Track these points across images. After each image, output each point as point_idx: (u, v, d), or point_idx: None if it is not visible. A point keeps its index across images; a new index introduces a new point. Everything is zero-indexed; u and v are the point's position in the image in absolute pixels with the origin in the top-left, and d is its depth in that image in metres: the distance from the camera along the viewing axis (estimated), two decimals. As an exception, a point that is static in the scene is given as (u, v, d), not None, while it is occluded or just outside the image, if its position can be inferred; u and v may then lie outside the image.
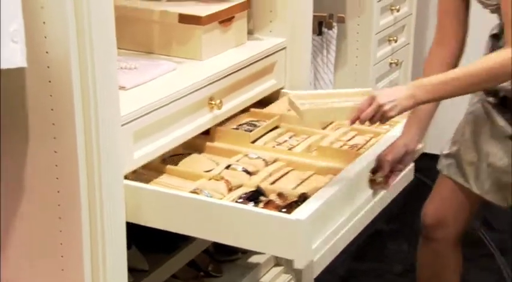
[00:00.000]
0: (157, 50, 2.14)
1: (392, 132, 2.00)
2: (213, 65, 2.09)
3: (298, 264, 1.63)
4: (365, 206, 1.88)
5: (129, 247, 1.81)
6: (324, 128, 2.14)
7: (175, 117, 1.91)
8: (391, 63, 3.16)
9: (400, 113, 1.65)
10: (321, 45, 2.84)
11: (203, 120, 2.01)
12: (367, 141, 2.04)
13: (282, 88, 2.34)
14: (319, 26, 2.82)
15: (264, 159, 1.95)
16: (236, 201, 1.73)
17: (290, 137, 2.11)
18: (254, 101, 2.22)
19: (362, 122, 1.67)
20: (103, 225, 1.69)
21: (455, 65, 1.91)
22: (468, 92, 1.75)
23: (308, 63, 2.45)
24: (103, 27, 1.61)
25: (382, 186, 1.89)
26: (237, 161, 1.96)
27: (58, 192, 1.68)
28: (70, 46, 1.57)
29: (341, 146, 2.02)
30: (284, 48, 2.31)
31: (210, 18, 2.10)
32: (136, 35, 2.14)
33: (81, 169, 1.65)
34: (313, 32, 2.57)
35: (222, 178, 1.84)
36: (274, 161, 1.96)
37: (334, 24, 2.85)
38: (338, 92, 1.85)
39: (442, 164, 2.04)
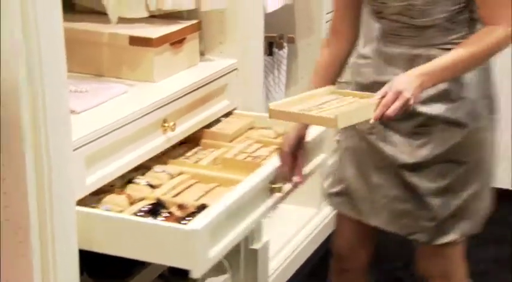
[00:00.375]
0: (109, 72, 2.08)
1: None
2: (166, 87, 2.04)
3: (195, 274, 1.63)
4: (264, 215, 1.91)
5: (80, 274, 1.74)
6: (230, 141, 2.15)
7: (128, 140, 1.86)
8: (340, 82, 3.14)
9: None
10: (272, 65, 2.82)
11: (156, 143, 1.96)
12: (271, 153, 2.06)
13: (235, 109, 2.30)
14: (270, 46, 2.80)
15: (168, 173, 1.94)
16: (136, 215, 1.73)
17: (197, 151, 2.11)
18: (208, 122, 2.19)
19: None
20: (54, 254, 1.62)
21: (346, 57, 1.88)
22: (467, 71, 1.72)
23: (260, 83, 2.43)
24: (53, 50, 1.55)
25: (284, 196, 1.92)
26: (142, 174, 1.93)
27: (7, 220, 1.60)
28: (19, 70, 1.50)
29: (245, 158, 2.04)
30: (236, 69, 2.29)
31: (162, 40, 2.06)
32: (87, 58, 2.08)
33: (30, 197, 1.57)
34: (264, 52, 2.55)
35: (124, 192, 1.82)
36: (179, 174, 1.95)
37: (285, 44, 2.83)
38: (307, 94, 1.78)
39: (334, 203, 1.99)
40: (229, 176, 1.92)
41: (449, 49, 1.71)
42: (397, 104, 1.59)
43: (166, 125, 1.97)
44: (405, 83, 1.61)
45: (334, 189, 1.96)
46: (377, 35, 1.84)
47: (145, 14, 2.14)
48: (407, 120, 1.76)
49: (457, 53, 1.67)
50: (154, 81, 2.06)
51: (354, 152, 1.89)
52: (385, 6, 1.74)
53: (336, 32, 1.88)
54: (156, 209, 1.76)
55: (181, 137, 2.07)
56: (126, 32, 2.06)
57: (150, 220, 1.69)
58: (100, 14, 2.12)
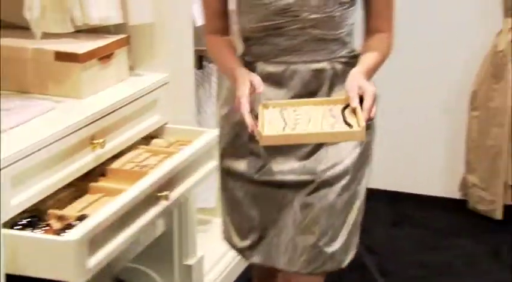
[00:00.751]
0: (34, 89, 2.01)
1: (186, 151, 2.04)
2: (94, 103, 1.98)
3: None
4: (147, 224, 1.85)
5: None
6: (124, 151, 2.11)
7: (56, 159, 1.79)
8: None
9: None
10: (203, 78, 2.76)
11: (86, 161, 1.89)
12: (159, 161, 2.04)
13: (166, 123, 2.24)
14: (200, 60, 2.75)
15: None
16: (13, 228, 1.68)
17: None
18: (139, 137, 2.12)
19: (371, 120, 1.60)
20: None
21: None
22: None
23: (192, 97, 2.38)
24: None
25: (167, 205, 1.89)
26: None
27: None
28: None
29: (132, 168, 2.01)
30: (166, 83, 2.22)
31: (89, 55, 2.01)
32: (11, 75, 2.00)
33: (-48, 221, 1.47)
34: (194, 66, 2.50)
35: None
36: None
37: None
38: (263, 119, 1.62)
39: (248, 257, 1.81)
40: (114, 186, 1.89)
41: (346, 63, 1.69)
42: (375, 106, 1.57)
43: (95, 142, 1.90)
44: (372, 87, 1.58)
45: (246, 243, 1.80)
46: (249, 60, 1.70)
47: (71, 29, 2.07)
48: (303, 144, 1.65)
49: (375, 56, 1.67)
50: (81, 97, 2.00)
51: (255, 198, 1.75)
52: (296, 20, 1.65)
53: (215, 31, 1.75)
54: (34, 222, 1.71)
55: (112, 154, 2.00)
56: (51, 47, 2.00)
57: (25, 233, 1.65)
58: (23, 30, 2.04)
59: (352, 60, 1.70)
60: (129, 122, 2.07)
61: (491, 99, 3.04)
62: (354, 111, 1.56)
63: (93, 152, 1.91)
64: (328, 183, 1.69)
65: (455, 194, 3.25)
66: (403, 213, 3.19)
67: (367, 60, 1.67)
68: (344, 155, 1.70)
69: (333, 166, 1.69)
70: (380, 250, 2.89)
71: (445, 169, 3.27)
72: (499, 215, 3.07)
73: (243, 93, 1.59)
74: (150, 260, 2.27)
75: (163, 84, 2.21)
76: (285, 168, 1.70)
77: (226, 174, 1.79)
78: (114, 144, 2.00)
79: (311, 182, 1.69)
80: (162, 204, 1.88)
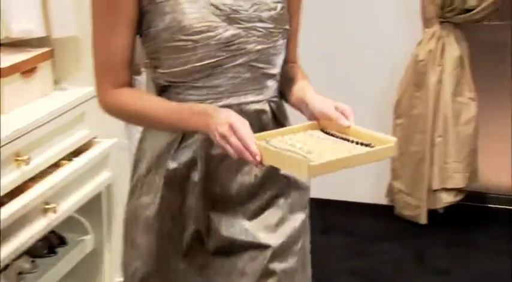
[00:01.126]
0: (-47, 105, 1.91)
1: (75, 162, 2.00)
2: (17, 118, 1.90)
3: None
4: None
5: None
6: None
7: None
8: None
9: None
10: (131, 91, 2.69)
11: (10, 178, 1.80)
12: (49, 173, 1.98)
13: (95, 137, 2.17)
14: (127, 72, 2.67)
15: None
16: None
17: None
18: (67, 152, 2.05)
19: None
20: None
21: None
22: None
23: (120, 111, 2.30)
24: None
25: (56, 217, 1.84)
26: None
27: None
28: None
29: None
30: (94, 97, 2.13)
31: (11, 69, 1.93)
32: None
33: None
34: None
35: None
36: None
37: (143, 70, 2.71)
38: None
39: None
40: None
41: (276, 102, 1.52)
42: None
43: (19, 159, 1.82)
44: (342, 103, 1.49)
45: None
46: None
47: (-7, 43, 1.98)
48: (251, 199, 1.48)
49: (308, 84, 1.53)
50: (4, 112, 1.91)
51: (200, 269, 1.50)
52: (239, 54, 1.43)
53: (122, 84, 1.48)
54: None
55: (38, 170, 1.92)
56: (-30, 61, 1.91)
57: None
58: None
59: (277, 99, 1.54)
60: (56, 137, 1.99)
61: (414, 107, 3.08)
62: (339, 130, 1.45)
63: (18, 168, 1.82)
64: (288, 245, 1.52)
65: (383, 200, 3.27)
66: (332, 221, 3.18)
67: (307, 87, 1.52)
68: (299, 210, 1.55)
69: (290, 226, 1.53)
70: (310, 258, 2.87)
71: (372, 176, 3.29)
72: (423, 219, 3.10)
73: (235, 118, 1.32)
74: (80, 279, 2.18)
75: (90, 98, 2.13)
76: (235, 229, 1.48)
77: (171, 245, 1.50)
78: (40, 160, 1.91)
79: (267, 246, 1.49)
80: (50, 217, 1.82)
